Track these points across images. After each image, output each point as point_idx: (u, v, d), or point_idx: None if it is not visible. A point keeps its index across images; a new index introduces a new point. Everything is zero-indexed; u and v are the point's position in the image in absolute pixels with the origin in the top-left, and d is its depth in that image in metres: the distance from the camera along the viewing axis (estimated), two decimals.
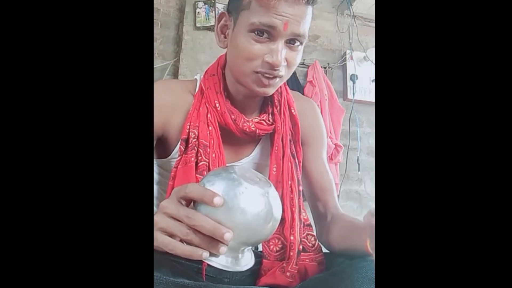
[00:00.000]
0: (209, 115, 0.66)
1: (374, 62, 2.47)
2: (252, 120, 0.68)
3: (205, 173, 0.61)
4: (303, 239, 0.64)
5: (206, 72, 0.72)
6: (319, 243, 0.67)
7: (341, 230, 0.65)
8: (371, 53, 2.49)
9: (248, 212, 0.43)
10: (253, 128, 0.67)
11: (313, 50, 2.54)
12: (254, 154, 0.74)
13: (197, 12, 2.21)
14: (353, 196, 2.47)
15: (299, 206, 0.66)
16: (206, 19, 2.21)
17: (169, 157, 0.70)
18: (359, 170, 2.43)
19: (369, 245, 0.46)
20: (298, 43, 0.61)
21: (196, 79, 0.74)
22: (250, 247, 0.50)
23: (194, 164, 0.62)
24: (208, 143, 0.64)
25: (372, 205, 2.44)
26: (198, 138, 0.64)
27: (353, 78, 2.50)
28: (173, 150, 0.69)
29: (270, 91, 0.64)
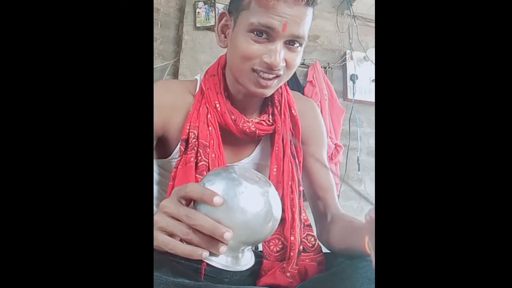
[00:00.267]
0: (209, 116, 0.66)
1: (374, 62, 2.47)
2: (252, 121, 0.68)
3: (205, 173, 0.61)
4: (303, 239, 0.64)
5: (206, 72, 0.72)
6: (319, 243, 0.67)
7: (341, 230, 0.65)
8: (371, 53, 2.49)
9: (248, 211, 0.43)
10: (253, 129, 0.67)
11: (313, 50, 2.54)
12: (254, 155, 0.74)
13: (197, 12, 2.21)
14: (353, 196, 2.47)
15: (300, 207, 0.66)
16: (206, 19, 2.21)
17: (170, 157, 0.70)
18: (359, 170, 2.43)
19: (367, 245, 0.46)
20: (297, 44, 0.61)
21: (196, 79, 0.74)
22: (250, 247, 0.50)
23: (194, 164, 0.62)
24: (208, 144, 0.64)
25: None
26: (198, 139, 0.64)
27: (353, 78, 2.50)
28: (174, 150, 0.69)
29: (268, 92, 0.63)
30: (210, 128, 0.65)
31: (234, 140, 0.69)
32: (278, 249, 0.63)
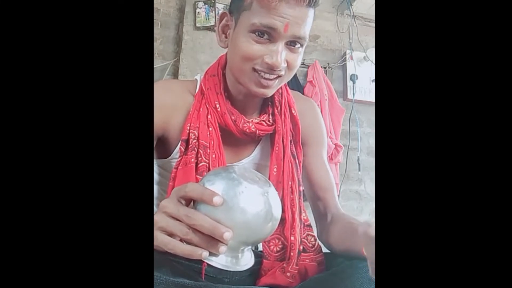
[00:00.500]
0: (209, 116, 0.66)
1: (374, 62, 2.47)
2: (252, 121, 0.68)
3: (205, 174, 0.61)
4: (303, 239, 0.64)
5: (206, 72, 0.72)
6: (319, 243, 0.67)
7: (341, 231, 0.65)
8: (371, 53, 2.49)
9: (247, 211, 0.43)
10: (253, 129, 0.67)
11: (313, 50, 2.54)
12: (254, 155, 0.74)
13: (197, 12, 2.21)
14: (353, 196, 2.47)
15: (300, 207, 0.66)
16: (206, 19, 2.21)
17: (170, 157, 0.70)
18: (359, 170, 2.43)
19: (365, 250, 0.46)
20: (298, 45, 0.61)
21: (196, 79, 0.74)
22: (250, 247, 0.50)
23: (194, 165, 0.62)
24: (208, 144, 0.64)
25: (372, 205, 2.44)
26: (198, 139, 0.64)
27: (353, 78, 2.50)
28: (174, 150, 0.69)
29: (269, 92, 0.63)
30: (210, 129, 0.65)
31: (234, 140, 0.69)
32: (278, 249, 0.63)
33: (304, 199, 0.70)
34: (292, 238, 0.62)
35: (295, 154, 0.70)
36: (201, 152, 0.63)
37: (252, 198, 0.44)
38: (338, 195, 2.26)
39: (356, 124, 2.45)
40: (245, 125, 0.67)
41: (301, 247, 0.63)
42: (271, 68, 0.59)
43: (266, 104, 0.72)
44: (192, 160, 0.62)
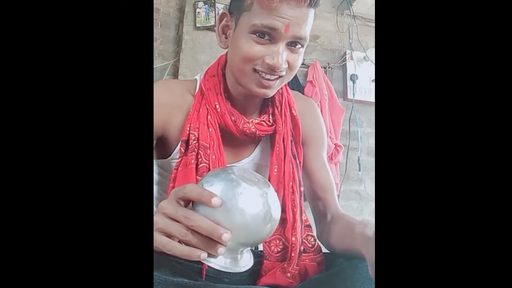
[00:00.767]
0: (209, 117, 0.66)
1: (374, 62, 2.47)
2: (252, 121, 0.68)
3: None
4: (303, 239, 0.64)
5: (206, 72, 0.71)
6: (319, 243, 0.67)
7: (341, 231, 0.65)
8: (371, 53, 2.49)
9: (246, 212, 0.43)
10: (253, 130, 0.67)
11: (313, 50, 2.53)
12: (254, 155, 0.74)
13: (197, 12, 2.21)
14: (353, 196, 2.47)
15: (300, 207, 0.66)
16: (206, 19, 2.21)
17: (170, 157, 0.70)
18: (359, 170, 2.43)
19: (365, 251, 0.46)
20: (299, 46, 0.60)
21: (196, 79, 0.74)
22: (249, 248, 0.50)
23: (194, 166, 0.62)
24: (208, 145, 0.64)
25: (372, 205, 2.44)
26: (198, 140, 0.64)
27: (353, 78, 2.50)
28: (174, 151, 0.69)
29: (271, 92, 0.63)
30: (210, 130, 0.65)
31: (234, 140, 0.69)
32: (279, 249, 0.63)
33: (304, 199, 0.70)
34: (293, 238, 0.62)
35: (296, 155, 0.70)
36: (201, 153, 0.63)
37: (251, 199, 0.44)
38: (338, 195, 2.26)
39: (356, 124, 2.45)
40: (245, 125, 0.67)
41: (302, 248, 0.63)
42: (272, 69, 0.59)
43: (266, 104, 0.72)
44: (192, 161, 0.62)
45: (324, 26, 2.57)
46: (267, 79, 0.60)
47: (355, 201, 2.48)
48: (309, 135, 0.76)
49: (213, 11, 2.22)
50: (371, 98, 2.53)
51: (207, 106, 0.67)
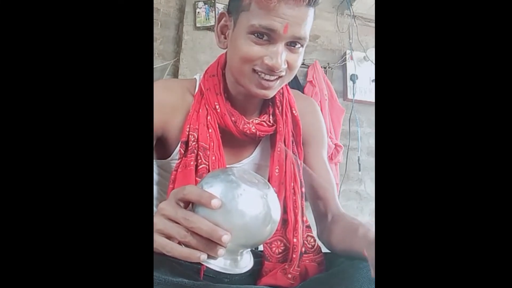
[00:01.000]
0: (209, 117, 0.66)
1: (374, 62, 2.47)
2: (252, 122, 0.68)
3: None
4: (303, 240, 0.64)
5: (205, 72, 0.71)
6: (319, 244, 0.67)
7: (342, 231, 0.65)
8: (371, 53, 2.49)
9: (246, 214, 0.43)
10: (254, 130, 0.67)
11: (313, 50, 2.53)
12: (254, 155, 0.74)
13: (197, 12, 2.21)
14: (353, 196, 2.47)
15: (302, 208, 0.66)
16: (206, 19, 2.21)
17: (169, 158, 0.70)
18: (359, 170, 2.43)
19: (366, 251, 0.46)
20: (299, 45, 0.60)
21: (195, 78, 0.73)
22: (249, 249, 0.50)
23: (194, 167, 0.62)
24: (208, 146, 0.63)
25: (372, 205, 2.44)
26: (197, 141, 0.64)
27: (353, 78, 2.50)
28: (173, 151, 0.69)
29: (271, 93, 0.63)
30: (210, 130, 0.65)
31: (234, 141, 0.69)
32: (280, 250, 0.62)
33: (304, 199, 0.70)
34: (295, 240, 0.62)
35: (297, 155, 0.70)
36: (201, 154, 0.63)
37: (250, 200, 0.43)
38: (338, 195, 2.26)
39: (356, 124, 2.45)
40: (245, 126, 0.66)
41: (303, 249, 0.63)
42: (271, 70, 0.58)
43: (267, 104, 0.71)
44: (192, 162, 0.62)
45: (324, 26, 2.57)
46: (267, 80, 0.60)
47: (355, 201, 2.48)
48: (310, 135, 0.76)
49: (213, 11, 2.22)
50: (371, 98, 2.53)
51: (206, 106, 0.67)
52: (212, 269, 0.46)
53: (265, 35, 0.57)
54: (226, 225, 0.42)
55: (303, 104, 0.77)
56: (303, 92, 2.25)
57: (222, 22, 0.65)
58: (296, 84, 2.28)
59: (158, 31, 2.27)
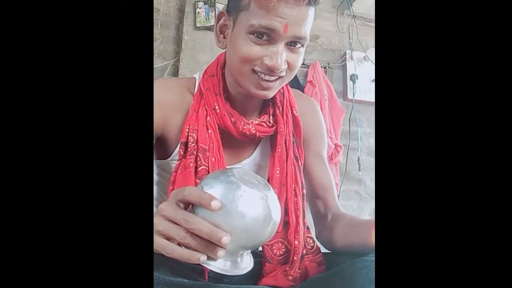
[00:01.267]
0: (208, 118, 0.65)
1: (374, 62, 2.47)
2: (252, 122, 0.67)
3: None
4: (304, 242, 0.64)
5: (205, 72, 0.70)
6: (317, 245, 0.67)
7: (345, 227, 0.64)
8: (371, 53, 2.49)
9: (246, 215, 0.42)
10: (253, 131, 0.66)
11: (313, 50, 2.53)
12: (254, 156, 0.73)
13: (197, 12, 2.21)
14: (353, 196, 2.47)
15: (303, 210, 0.65)
16: (206, 19, 2.21)
17: (169, 158, 0.69)
18: (359, 170, 2.43)
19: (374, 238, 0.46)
20: (299, 45, 0.59)
21: (195, 77, 0.73)
22: (249, 251, 0.50)
23: (193, 169, 0.61)
24: (207, 147, 0.63)
25: (372, 205, 2.44)
26: (197, 142, 0.63)
27: (353, 78, 2.50)
28: (173, 152, 0.68)
29: (270, 94, 0.62)
30: (209, 131, 0.64)
31: (234, 141, 0.68)
32: (281, 252, 0.62)
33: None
34: (296, 242, 0.61)
35: (298, 156, 0.70)
36: (200, 155, 0.62)
37: (250, 202, 0.43)
38: (338, 195, 2.26)
39: (356, 124, 2.45)
40: (245, 127, 0.66)
41: (304, 251, 0.63)
42: (271, 70, 0.58)
43: (267, 104, 0.71)
44: (191, 164, 0.61)
45: (324, 26, 2.57)
46: (266, 80, 0.59)
47: (355, 201, 2.48)
48: (310, 134, 0.76)
49: (213, 11, 2.22)
50: (371, 98, 2.53)
51: (206, 107, 0.66)
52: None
53: (265, 35, 0.57)
54: (226, 226, 0.42)
55: (303, 104, 0.77)
56: (303, 92, 2.25)
57: (221, 21, 0.64)
58: (296, 84, 2.28)
59: (158, 31, 2.27)
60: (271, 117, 0.70)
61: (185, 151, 0.63)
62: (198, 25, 2.20)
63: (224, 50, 0.68)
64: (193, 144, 0.63)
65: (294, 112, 0.72)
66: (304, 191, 0.68)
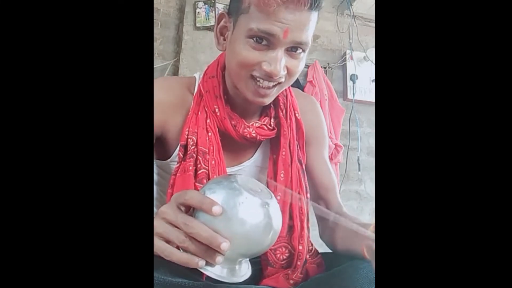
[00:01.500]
0: (208, 120, 0.64)
1: (374, 62, 2.47)
2: (252, 125, 0.66)
3: (205, 181, 0.60)
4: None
5: (205, 73, 0.69)
6: (315, 248, 0.66)
7: (344, 231, 0.64)
8: (371, 53, 2.49)
9: (246, 222, 0.42)
10: (254, 134, 0.66)
11: (313, 50, 2.53)
12: (255, 158, 0.73)
13: (197, 12, 2.21)
14: (353, 196, 2.47)
15: (307, 215, 0.65)
16: (206, 19, 2.21)
17: (169, 160, 0.69)
18: (359, 170, 2.43)
19: (366, 252, 0.46)
20: (300, 51, 0.57)
21: (195, 76, 0.72)
22: (248, 258, 0.49)
23: (192, 172, 0.61)
24: (207, 150, 0.62)
25: (372, 205, 2.44)
26: (196, 145, 0.62)
27: (353, 78, 2.50)
28: (173, 153, 0.68)
29: (268, 100, 0.61)
30: (209, 134, 0.64)
31: (234, 144, 0.68)
32: (284, 257, 0.62)
33: None
34: (300, 247, 0.61)
35: (301, 160, 0.69)
36: (200, 158, 0.61)
37: (251, 209, 0.43)
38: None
39: (356, 124, 2.45)
40: (245, 130, 0.65)
41: (308, 256, 0.62)
42: (270, 76, 0.56)
43: (268, 106, 0.70)
44: (191, 168, 0.61)
45: (324, 26, 2.57)
46: (264, 87, 0.58)
47: (355, 201, 2.48)
48: (311, 135, 0.75)
49: (213, 11, 2.22)
50: (371, 98, 2.53)
51: (206, 109, 0.65)
52: None
53: (264, 40, 0.55)
54: (226, 232, 0.42)
55: (303, 103, 0.76)
56: None
57: (222, 23, 0.63)
58: (296, 84, 2.26)
59: (158, 31, 2.27)
60: (272, 120, 0.69)
61: (185, 153, 0.63)
62: (198, 25, 2.20)
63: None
64: (193, 147, 0.62)
65: (297, 115, 0.71)
66: (308, 195, 0.67)
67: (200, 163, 0.61)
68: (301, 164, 0.68)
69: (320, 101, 2.27)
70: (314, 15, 0.56)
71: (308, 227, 0.64)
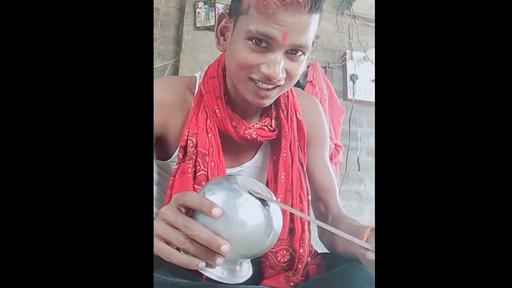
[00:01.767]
0: (208, 121, 0.64)
1: (374, 62, 2.47)
2: (253, 126, 0.66)
3: (204, 183, 0.60)
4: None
5: (205, 73, 0.69)
6: (315, 249, 0.66)
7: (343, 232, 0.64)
8: (371, 53, 2.49)
9: (247, 224, 0.42)
10: (254, 136, 0.65)
11: (313, 50, 2.50)
12: (256, 159, 0.72)
13: (197, 12, 2.21)
14: (353, 196, 2.47)
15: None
16: (206, 19, 2.21)
17: (169, 160, 0.69)
18: (359, 170, 2.43)
19: (361, 259, 0.45)
20: (300, 53, 0.57)
21: (195, 76, 0.72)
22: (248, 259, 0.49)
23: (191, 174, 0.60)
24: (207, 152, 0.62)
25: (372, 205, 2.44)
26: (196, 147, 0.62)
27: (353, 78, 2.50)
28: (173, 153, 0.67)
29: (267, 102, 0.61)
30: (209, 135, 0.63)
31: (234, 145, 0.67)
32: (285, 260, 0.61)
33: None
34: (301, 250, 0.61)
35: (302, 161, 0.69)
36: (200, 160, 0.61)
37: (252, 210, 0.43)
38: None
39: (356, 124, 2.45)
40: (246, 131, 0.64)
41: (309, 259, 0.62)
42: (268, 79, 0.55)
43: (269, 107, 0.69)
44: (190, 169, 0.60)
45: (324, 26, 2.57)
46: (263, 89, 0.57)
47: (355, 201, 2.48)
48: (312, 134, 0.74)
49: (213, 11, 2.22)
50: (371, 98, 2.53)
51: (206, 110, 0.65)
52: None
53: (263, 42, 0.54)
54: (226, 234, 0.41)
55: (305, 102, 0.76)
56: None
57: (222, 23, 0.62)
58: (296, 84, 2.27)
59: (158, 31, 2.27)
60: (273, 121, 0.68)
61: (184, 155, 0.62)
62: (198, 25, 2.20)
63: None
64: (192, 149, 0.62)
65: (298, 115, 0.70)
66: (309, 197, 0.67)
67: (199, 165, 0.61)
68: (302, 166, 0.68)
69: (320, 101, 2.26)
70: (314, 17, 0.55)
71: (309, 230, 0.64)
